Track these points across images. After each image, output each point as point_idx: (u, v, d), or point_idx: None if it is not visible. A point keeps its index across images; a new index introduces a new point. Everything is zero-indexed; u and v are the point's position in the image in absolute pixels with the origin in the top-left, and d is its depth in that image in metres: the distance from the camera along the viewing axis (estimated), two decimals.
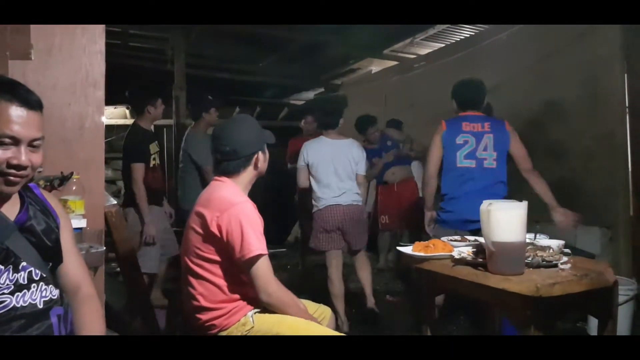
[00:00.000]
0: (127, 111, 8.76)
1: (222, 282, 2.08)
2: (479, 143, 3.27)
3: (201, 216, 2.08)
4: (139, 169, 3.85)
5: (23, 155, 1.37)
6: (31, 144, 1.40)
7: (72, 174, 2.13)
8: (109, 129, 8.20)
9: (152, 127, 4.15)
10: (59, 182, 2.09)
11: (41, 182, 2.03)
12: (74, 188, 2.16)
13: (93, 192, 2.34)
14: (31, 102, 1.39)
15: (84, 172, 2.25)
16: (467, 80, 3.54)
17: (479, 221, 2.93)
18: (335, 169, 4.03)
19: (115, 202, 3.00)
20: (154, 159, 4.02)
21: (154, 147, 4.07)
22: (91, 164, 2.41)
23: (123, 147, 4.13)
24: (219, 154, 2.21)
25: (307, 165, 4.08)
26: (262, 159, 2.25)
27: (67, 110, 2.39)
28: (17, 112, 1.35)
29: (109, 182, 8.41)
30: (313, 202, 4.16)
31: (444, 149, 3.32)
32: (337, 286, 4.02)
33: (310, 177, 4.10)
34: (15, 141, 1.36)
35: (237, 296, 2.09)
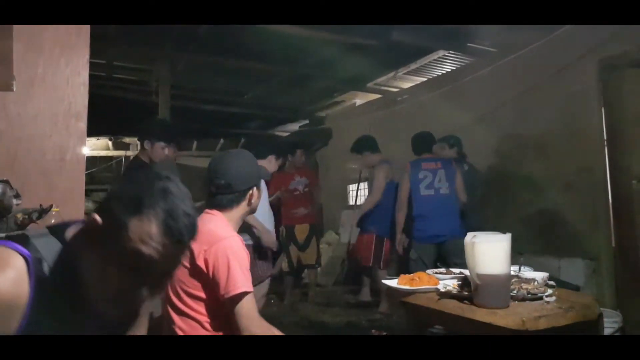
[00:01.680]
0: (110, 143, 8.72)
1: (204, 319, 2.02)
2: (434, 177, 4.36)
3: (189, 249, 2.04)
4: None
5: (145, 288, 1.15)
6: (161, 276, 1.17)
7: (51, 206, 2.10)
8: (91, 160, 8.16)
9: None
10: (38, 214, 2.05)
11: (19, 215, 1.99)
12: (52, 221, 2.12)
13: None
14: (184, 235, 1.12)
15: (63, 205, 2.21)
16: (419, 133, 4.65)
17: (445, 235, 4.09)
18: None
19: None
20: None
21: None
22: (71, 196, 2.38)
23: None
24: (214, 187, 2.17)
25: None
26: (256, 195, 2.22)
27: (48, 142, 2.36)
28: (162, 240, 1.09)
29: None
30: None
31: (411, 184, 4.40)
32: None
33: None
34: None
35: (219, 333, 2.04)
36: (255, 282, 3.76)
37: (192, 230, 1.15)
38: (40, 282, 1.10)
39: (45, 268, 1.12)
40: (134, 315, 1.35)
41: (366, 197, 4.85)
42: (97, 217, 1.10)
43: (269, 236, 3.83)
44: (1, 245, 1.11)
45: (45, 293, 1.10)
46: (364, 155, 5.13)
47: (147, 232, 1.07)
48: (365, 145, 5.13)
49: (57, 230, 1.21)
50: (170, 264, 1.16)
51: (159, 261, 1.09)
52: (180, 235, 1.11)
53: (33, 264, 1.10)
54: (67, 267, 1.13)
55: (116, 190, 1.19)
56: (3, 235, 1.90)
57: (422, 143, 4.57)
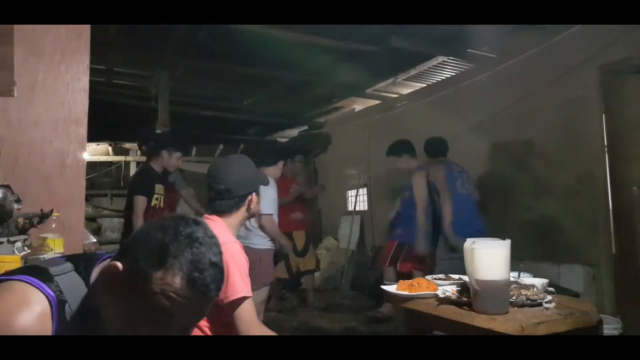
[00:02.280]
0: (110, 148, 8.72)
1: (203, 323, 2.02)
2: (463, 179, 4.41)
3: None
4: (141, 202, 3.86)
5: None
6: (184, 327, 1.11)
7: (52, 211, 2.10)
8: (91, 165, 8.16)
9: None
10: (39, 219, 2.05)
11: (20, 220, 1.99)
12: (53, 226, 2.12)
13: (73, 230, 2.30)
14: (210, 287, 1.05)
15: (64, 210, 2.21)
16: (436, 138, 4.63)
17: (483, 231, 4.12)
18: None
19: (95, 240, 2.95)
20: (157, 199, 4.02)
21: (159, 188, 4.07)
22: (71, 201, 2.38)
23: (129, 184, 4.25)
24: (213, 192, 2.18)
25: None
26: (255, 201, 2.23)
27: (48, 147, 2.36)
28: (186, 293, 1.02)
29: (89, 219, 8.31)
30: None
31: (448, 182, 4.36)
32: None
33: None
34: None
35: None
36: (260, 286, 3.82)
37: (218, 281, 1.07)
38: (61, 326, 1.07)
39: (68, 311, 1.08)
40: None
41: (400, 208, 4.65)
42: (119, 265, 1.05)
43: (287, 241, 4.06)
44: (26, 282, 1.07)
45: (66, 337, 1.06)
46: (402, 159, 4.88)
47: (170, 285, 1.00)
48: (405, 148, 4.90)
49: (80, 267, 1.16)
50: (195, 317, 1.10)
51: (182, 315, 1.04)
52: (205, 288, 1.04)
53: (57, 307, 1.07)
54: (89, 314, 1.10)
55: (139, 236, 1.10)
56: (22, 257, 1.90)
57: (439, 147, 4.60)
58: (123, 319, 1.05)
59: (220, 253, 1.10)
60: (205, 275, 1.03)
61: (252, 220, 3.86)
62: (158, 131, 6.12)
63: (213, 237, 1.10)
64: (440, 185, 4.39)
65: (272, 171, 3.99)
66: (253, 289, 3.87)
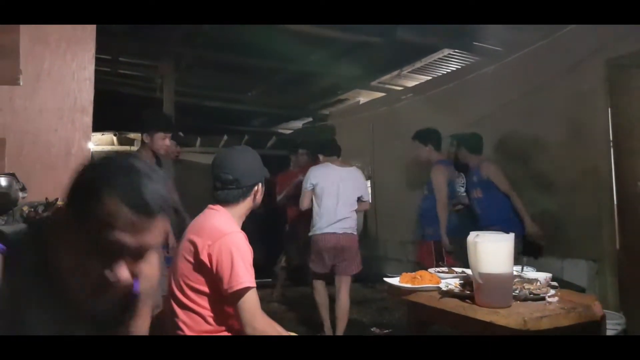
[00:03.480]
0: (114, 138, 8.73)
1: (207, 313, 2.03)
2: None
3: (193, 244, 2.05)
4: None
5: (121, 270, 1.06)
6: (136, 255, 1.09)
7: (56, 200, 2.10)
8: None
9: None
10: (44, 208, 2.06)
11: (25, 208, 2.00)
12: None
13: None
14: (151, 206, 1.03)
15: None
16: (474, 133, 4.55)
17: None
18: (338, 196, 4.18)
19: None
20: None
21: None
22: None
23: None
24: (219, 182, 2.18)
25: (313, 188, 4.26)
26: (261, 191, 2.24)
27: (53, 136, 2.37)
28: (128, 216, 1.01)
29: None
30: (312, 224, 4.29)
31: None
32: (322, 296, 4.36)
33: (313, 201, 4.29)
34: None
35: (222, 328, 2.05)
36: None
37: (158, 200, 1.04)
38: (14, 273, 1.09)
39: (22, 262, 1.10)
40: (124, 306, 1.28)
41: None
42: (61, 203, 1.10)
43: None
44: None
45: (23, 287, 1.09)
46: (427, 148, 4.53)
47: (108, 211, 1.00)
48: (432, 137, 4.55)
49: (34, 223, 1.20)
50: (147, 242, 1.07)
51: (133, 242, 1.03)
52: (146, 208, 1.02)
53: (9, 257, 1.09)
54: (42, 258, 1.11)
55: (75, 176, 1.09)
56: None
57: (481, 144, 4.52)
58: (75, 258, 1.07)
59: (162, 178, 1.10)
60: (144, 195, 1.02)
61: (350, 209, 4.27)
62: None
63: (151, 166, 1.11)
64: (505, 186, 4.26)
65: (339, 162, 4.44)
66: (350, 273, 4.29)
